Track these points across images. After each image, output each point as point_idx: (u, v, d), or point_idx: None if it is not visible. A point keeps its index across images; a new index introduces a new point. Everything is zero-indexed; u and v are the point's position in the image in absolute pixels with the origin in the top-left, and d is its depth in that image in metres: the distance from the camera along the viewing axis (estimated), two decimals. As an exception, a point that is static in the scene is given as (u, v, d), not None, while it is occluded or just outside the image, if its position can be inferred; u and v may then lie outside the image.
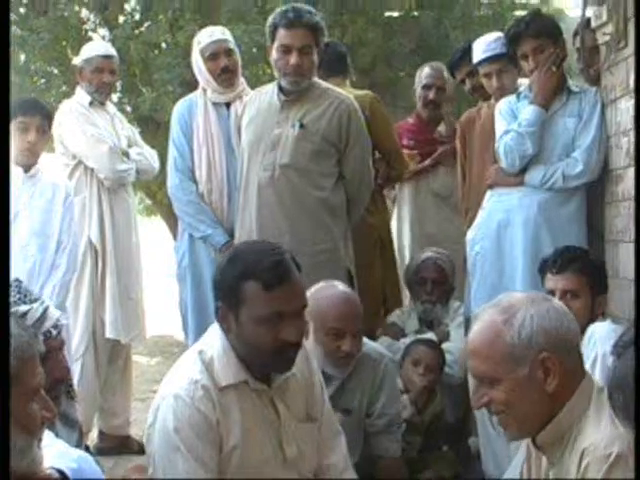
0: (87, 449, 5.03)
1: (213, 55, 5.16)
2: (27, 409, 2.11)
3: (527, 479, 2.68)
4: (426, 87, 6.04)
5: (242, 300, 2.88)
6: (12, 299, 3.06)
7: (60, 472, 2.29)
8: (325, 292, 3.79)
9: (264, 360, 2.94)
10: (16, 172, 4.94)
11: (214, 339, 3.02)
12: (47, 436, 2.32)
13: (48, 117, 5.07)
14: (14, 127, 4.90)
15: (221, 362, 2.97)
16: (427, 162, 6.03)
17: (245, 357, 2.96)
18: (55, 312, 3.23)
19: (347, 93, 5.02)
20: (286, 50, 4.54)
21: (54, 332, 3.16)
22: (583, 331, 3.72)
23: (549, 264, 3.99)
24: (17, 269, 4.54)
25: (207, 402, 2.89)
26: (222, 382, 2.95)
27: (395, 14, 9.23)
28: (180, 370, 3.00)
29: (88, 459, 2.57)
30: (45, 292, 4.82)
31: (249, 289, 2.87)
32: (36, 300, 3.19)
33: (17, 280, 3.19)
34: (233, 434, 2.94)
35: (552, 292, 3.91)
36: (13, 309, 3.01)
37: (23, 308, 3.08)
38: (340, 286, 3.94)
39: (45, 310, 3.16)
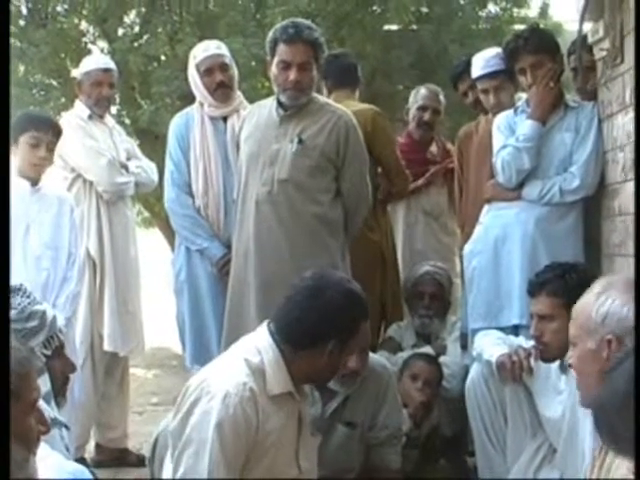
0: (84, 461, 5.08)
1: (208, 70, 5.17)
2: (25, 424, 2.11)
3: None
4: (422, 108, 6.08)
5: (355, 334, 3.18)
6: (23, 303, 3.15)
7: None
8: None
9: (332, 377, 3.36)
10: (23, 185, 4.96)
11: (263, 349, 3.12)
12: (43, 448, 2.33)
13: (58, 134, 5.07)
14: (25, 140, 4.93)
15: (274, 371, 3.09)
16: (420, 182, 6.06)
17: (320, 378, 3.26)
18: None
19: (351, 106, 5.04)
20: (286, 66, 4.54)
21: (64, 330, 3.31)
22: (563, 354, 3.71)
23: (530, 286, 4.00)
24: (32, 281, 4.58)
25: (253, 405, 2.98)
26: (274, 390, 3.07)
27: (394, 28, 9.23)
28: (225, 371, 3.06)
29: (84, 472, 2.59)
30: (58, 304, 4.88)
31: (363, 325, 3.24)
32: (39, 302, 3.29)
33: (21, 285, 3.26)
34: (269, 439, 3.03)
35: (531, 317, 3.93)
36: (34, 308, 3.15)
37: (40, 307, 3.18)
38: None
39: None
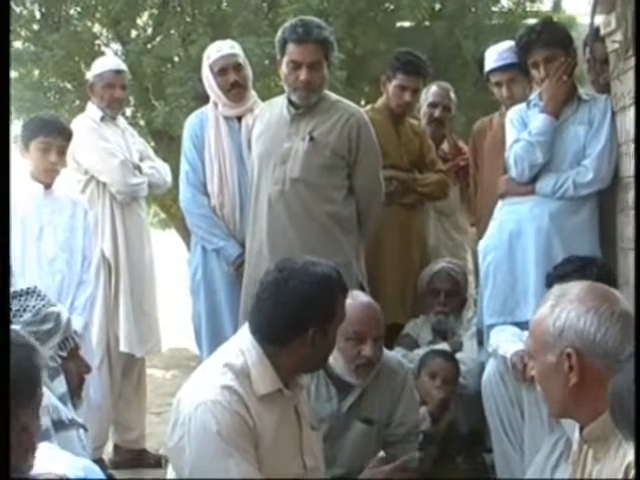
0: (102, 462, 5.10)
1: (222, 70, 5.18)
2: (38, 420, 2.15)
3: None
4: (432, 105, 6.05)
5: (334, 314, 3.12)
6: (38, 305, 3.17)
7: None
8: (347, 300, 3.79)
9: (325, 362, 3.32)
10: (36, 188, 5.01)
11: (245, 349, 3.08)
12: (52, 448, 2.35)
13: (69, 138, 5.11)
14: (35, 146, 4.98)
15: (258, 371, 3.04)
16: None
17: (309, 365, 3.17)
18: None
19: None
20: (296, 66, 4.56)
21: (83, 332, 3.32)
22: None
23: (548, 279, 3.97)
24: (46, 284, 4.65)
25: (243, 407, 2.94)
26: (261, 390, 3.02)
27: (407, 24, 9.21)
28: (208, 380, 3.02)
29: (94, 468, 2.61)
30: (77, 306, 4.95)
31: (340, 303, 3.17)
32: (54, 304, 3.30)
33: (35, 287, 3.28)
34: (265, 440, 2.99)
35: None
36: (49, 310, 3.18)
37: (55, 309, 3.20)
38: (361, 294, 3.99)
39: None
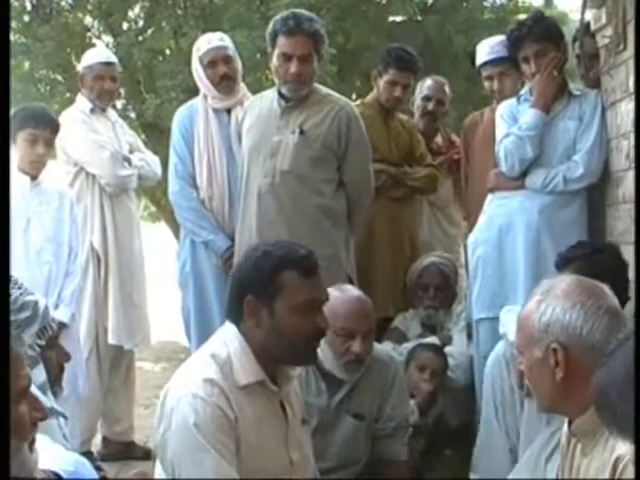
0: (91, 455, 5.09)
1: (212, 62, 5.17)
2: (15, 412, 2.09)
3: None
4: (426, 98, 6.05)
5: (279, 290, 2.95)
6: (15, 294, 3.16)
7: (56, 475, 2.31)
8: (336, 293, 3.75)
9: (297, 351, 3.00)
10: (23, 180, 4.98)
11: (229, 340, 3.03)
12: (43, 440, 2.32)
13: (57, 130, 5.10)
14: (22, 138, 4.95)
15: (240, 361, 2.98)
16: None
17: (273, 351, 2.99)
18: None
19: None
20: (286, 58, 4.55)
21: (57, 319, 3.43)
22: None
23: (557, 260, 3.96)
24: (33, 276, 4.68)
25: (224, 400, 2.89)
26: (242, 381, 2.96)
27: (398, 19, 9.23)
28: (192, 373, 2.99)
29: (85, 462, 2.59)
30: (64, 298, 4.92)
31: (287, 278, 2.95)
32: (32, 293, 3.29)
33: (11, 276, 3.26)
34: (248, 434, 2.93)
35: None
36: (27, 299, 3.17)
37: (33, 298, 3.18)
38: (350, 288, 3.97)
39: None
